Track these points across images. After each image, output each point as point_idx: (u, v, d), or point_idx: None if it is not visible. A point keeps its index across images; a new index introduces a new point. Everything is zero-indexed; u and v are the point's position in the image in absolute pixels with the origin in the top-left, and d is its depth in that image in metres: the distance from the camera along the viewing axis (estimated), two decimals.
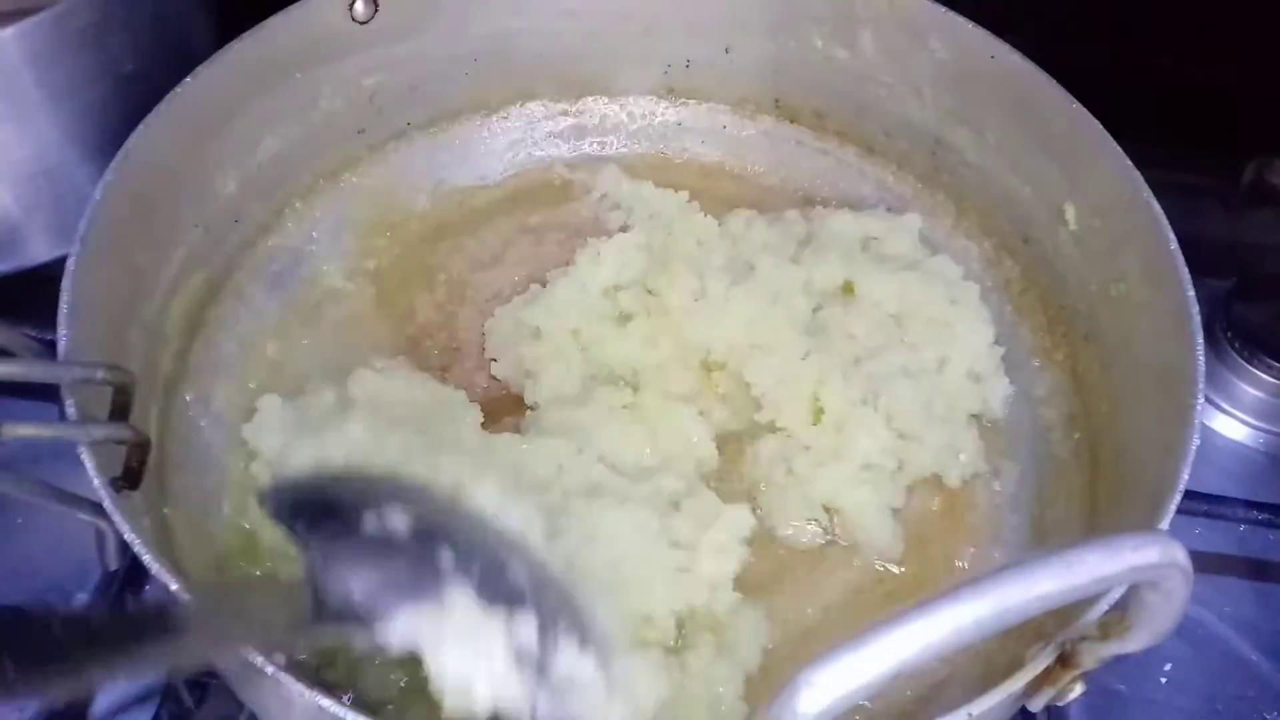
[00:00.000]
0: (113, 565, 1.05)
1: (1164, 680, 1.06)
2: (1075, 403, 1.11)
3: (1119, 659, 0.83)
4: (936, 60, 1.17)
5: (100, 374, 0.84)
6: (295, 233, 1.20)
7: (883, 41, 1.21)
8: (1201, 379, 0.89)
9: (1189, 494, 0.82)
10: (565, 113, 1.33)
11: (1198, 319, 0.93)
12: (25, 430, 0.79)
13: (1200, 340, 0.91)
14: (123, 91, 1.00)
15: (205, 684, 1.01)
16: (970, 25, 1.13)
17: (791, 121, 1.31)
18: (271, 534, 0.97)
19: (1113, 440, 1.03)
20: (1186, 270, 0.96)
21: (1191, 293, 0.94)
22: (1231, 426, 1.26)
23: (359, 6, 1.11)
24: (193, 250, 1.08)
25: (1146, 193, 1.01)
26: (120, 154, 0.96)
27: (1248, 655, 1.08)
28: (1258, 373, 1.24)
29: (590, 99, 1.33)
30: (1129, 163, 1.03)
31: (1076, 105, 1.08)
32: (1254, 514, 1.10)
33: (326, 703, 0.67)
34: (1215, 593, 1.12)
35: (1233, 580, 1.13)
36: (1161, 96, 1.28)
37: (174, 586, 0.73)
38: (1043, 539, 1.07)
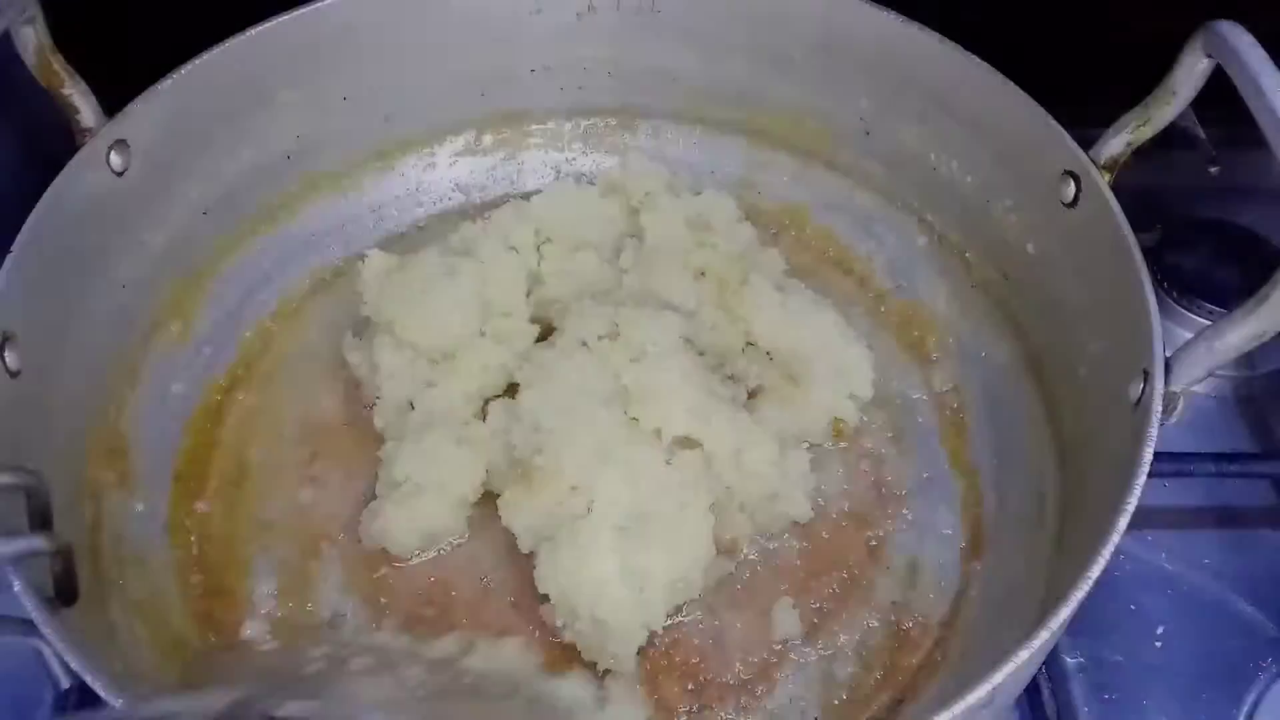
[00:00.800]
0: (63, 684, 1.00)
1: (1158, 644, 1.03)
2: (1033, 368, 1.10)
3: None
4: (863, 57, 1.18)
5: (4, 478, 0.76)
6: None
7: (810, 46, 1.20)
8: (1154, 305, 0.89)
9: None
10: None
11: (1140, 258, 0.92)
12: None
13: (1146, 276, 0.91)
14: None
15: None
16: (890, 15, 1.13)
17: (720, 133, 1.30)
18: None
19: (1074, 389, 1.02)
20: (1125, 220, 0.95)
21: (1132, 236, 0.93)
22: None
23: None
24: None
25: (1078, 153, 1.01)
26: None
27: (1234, 604, 1.06)
28: (1197, 318, 1.21)
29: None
30: (1061, 130, 1.02)
31: (999, 77, 1.07)
32: (1224, 466, 1.07)
33: None
34: (1191, 547, 1.09)
35: (1208, 532, 1.11)
36: (1065, 49, 1.27)
37: (116, 703, 0.72)
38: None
